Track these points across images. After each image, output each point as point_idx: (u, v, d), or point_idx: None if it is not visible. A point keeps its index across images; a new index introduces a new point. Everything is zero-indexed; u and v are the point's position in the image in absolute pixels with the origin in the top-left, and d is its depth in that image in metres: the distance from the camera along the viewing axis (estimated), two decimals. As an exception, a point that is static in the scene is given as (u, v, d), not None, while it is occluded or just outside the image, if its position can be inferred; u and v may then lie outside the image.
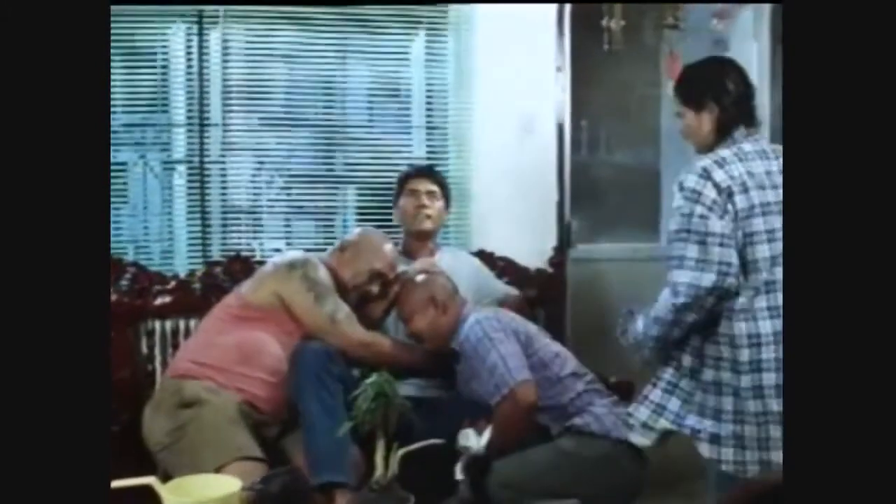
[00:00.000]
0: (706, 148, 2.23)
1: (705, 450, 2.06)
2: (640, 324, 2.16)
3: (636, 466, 2.32)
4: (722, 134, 2.21)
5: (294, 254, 2.66)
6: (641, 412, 2.16)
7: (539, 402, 2.31)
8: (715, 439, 2.04)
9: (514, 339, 2.38)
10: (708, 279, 1.99)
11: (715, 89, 2.22)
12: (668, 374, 2.15)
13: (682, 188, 2.10)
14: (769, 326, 2.00)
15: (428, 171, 2.91)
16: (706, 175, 2.08)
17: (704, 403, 2.07)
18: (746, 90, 2.23)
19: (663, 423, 2.13)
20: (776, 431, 1.96)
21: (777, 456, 1.94)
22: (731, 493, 1.83)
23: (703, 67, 2.32)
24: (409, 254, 2.84)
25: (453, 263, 2.83)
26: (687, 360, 2.11)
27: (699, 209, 2.04)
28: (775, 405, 1.95)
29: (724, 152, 2.14)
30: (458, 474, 2.30)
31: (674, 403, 2.12)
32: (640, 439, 2.17)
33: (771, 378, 1.97)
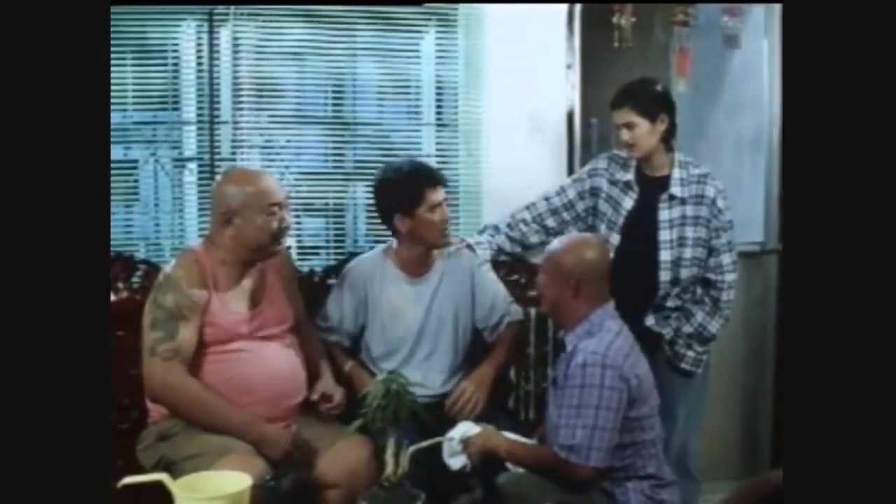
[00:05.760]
0: (646, 156, 2.72)
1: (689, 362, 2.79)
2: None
3: None
4: (667, 144, 2.72)
5: (167, 268, 2.40)
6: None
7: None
8: (695, 362, 2.79)
9: (618, 401, 2.17)
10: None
11: (668, 102, 2.71)
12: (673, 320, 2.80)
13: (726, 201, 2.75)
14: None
15: (441, 178, 2.72)
16: None
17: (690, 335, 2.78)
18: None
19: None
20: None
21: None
22: (736, 493, 1.83)
23: (650, 81, 2.74)
24: (413, 264, 2.74)
25: (457, 264, 2.80)
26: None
27: None
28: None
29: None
30: (453, 461, 2.31)
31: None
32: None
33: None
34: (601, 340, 2.22)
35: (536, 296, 2.38)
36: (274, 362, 2.41)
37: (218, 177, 2.58)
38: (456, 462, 2.30)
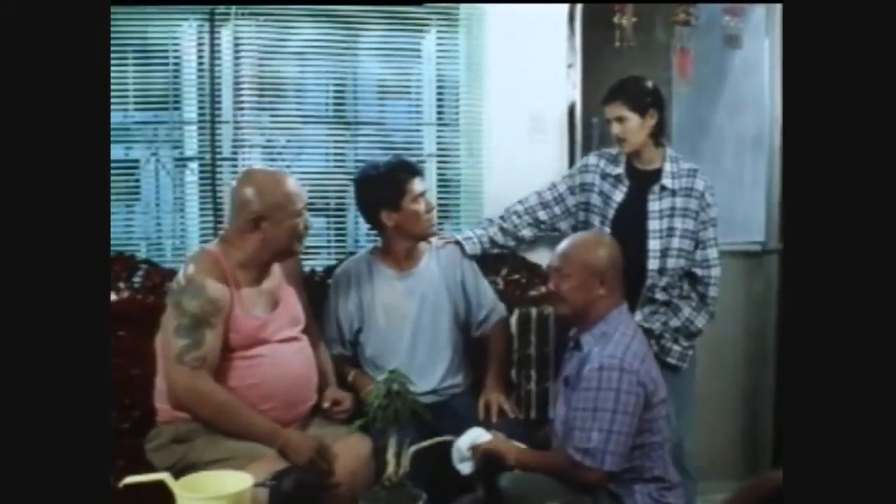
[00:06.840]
0: (636, 150, 2.77)
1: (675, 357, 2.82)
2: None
3: None
4: (656, 140, 2.78)
5: (180, 274, 2.32)
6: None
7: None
8: (681, 356, 2.83)
9: (635, 405, 2.15)
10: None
11: (658, 99, 2.77)
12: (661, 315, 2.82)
13: (713, 197, 2.78)
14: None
15: (419, 170, 2.78)
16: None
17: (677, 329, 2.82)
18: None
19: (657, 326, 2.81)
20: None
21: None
22: (736, 493, 1.84)
23: (641, 79, 2.80)
24: (401, 259, 2.78)
25: (445, 257, 2.83)
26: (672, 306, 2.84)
27: None
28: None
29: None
30: (463, 467, 2.31)
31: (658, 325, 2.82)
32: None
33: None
34: (618, 344, 2.21)
35: (556, 299, 2.37)
36: (292, 366, 2.40)
37: (235, 179, 2.53)
38: (465, 467, 2.30)
